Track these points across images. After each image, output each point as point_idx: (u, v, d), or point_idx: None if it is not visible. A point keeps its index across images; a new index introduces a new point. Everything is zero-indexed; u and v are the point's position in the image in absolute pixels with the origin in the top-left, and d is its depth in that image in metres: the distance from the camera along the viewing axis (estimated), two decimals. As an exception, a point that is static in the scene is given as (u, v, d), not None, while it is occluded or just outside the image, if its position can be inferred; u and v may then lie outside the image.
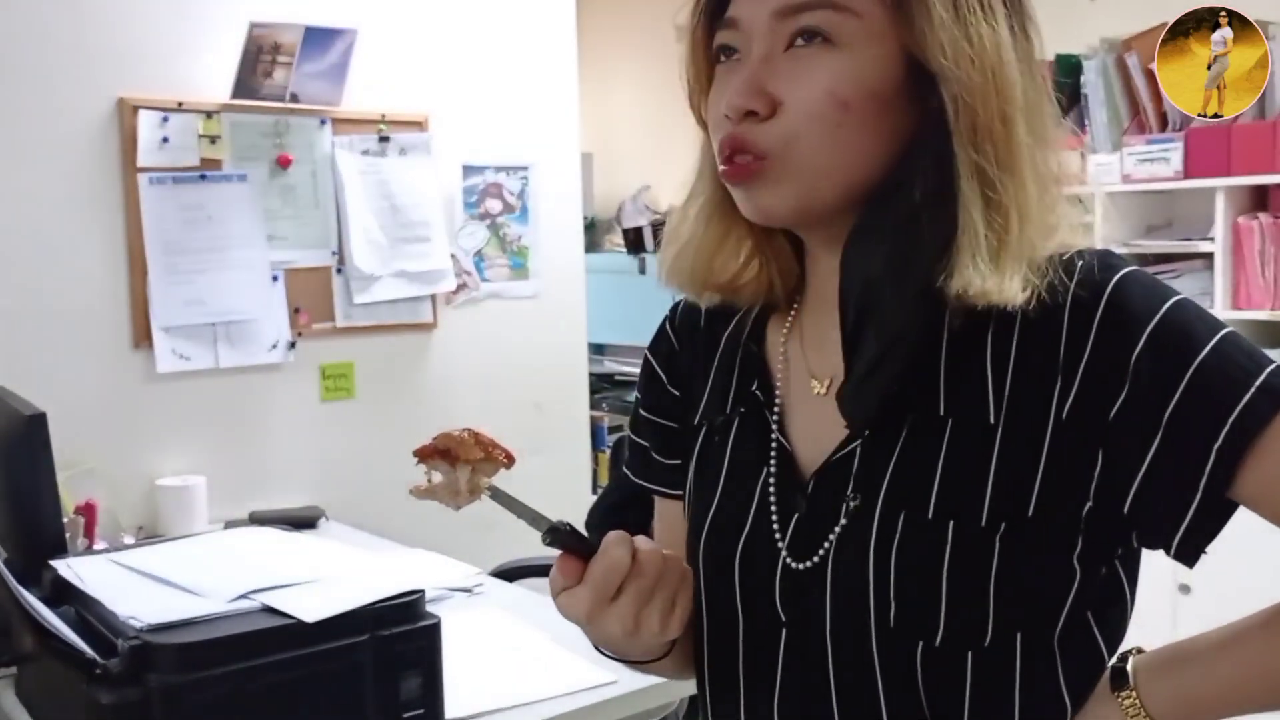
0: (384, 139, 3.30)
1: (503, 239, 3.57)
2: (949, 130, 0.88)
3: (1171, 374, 0.86)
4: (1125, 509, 0.88)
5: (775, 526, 0.98)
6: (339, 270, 3.27)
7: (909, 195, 0.90)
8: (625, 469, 1.22)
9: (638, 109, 5.35)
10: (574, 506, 2.95)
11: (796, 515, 0.97)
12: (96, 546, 2.65)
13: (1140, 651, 0.94)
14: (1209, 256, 3.34)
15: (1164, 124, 3.42)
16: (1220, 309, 3.30)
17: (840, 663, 0.94)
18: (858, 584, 0.92)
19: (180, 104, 3.00)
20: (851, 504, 0.94)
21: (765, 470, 1.01)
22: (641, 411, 1.18)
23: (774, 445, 1.01)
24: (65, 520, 2.26)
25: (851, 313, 0.93)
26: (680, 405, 1.13)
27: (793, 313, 1.06)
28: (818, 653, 0.94)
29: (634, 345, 4.77)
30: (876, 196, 0.92)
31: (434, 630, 1.68)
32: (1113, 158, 3.45)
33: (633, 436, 1.20)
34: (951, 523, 0.89)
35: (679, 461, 1.13)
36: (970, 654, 0.90)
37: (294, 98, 3.12)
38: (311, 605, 1.60)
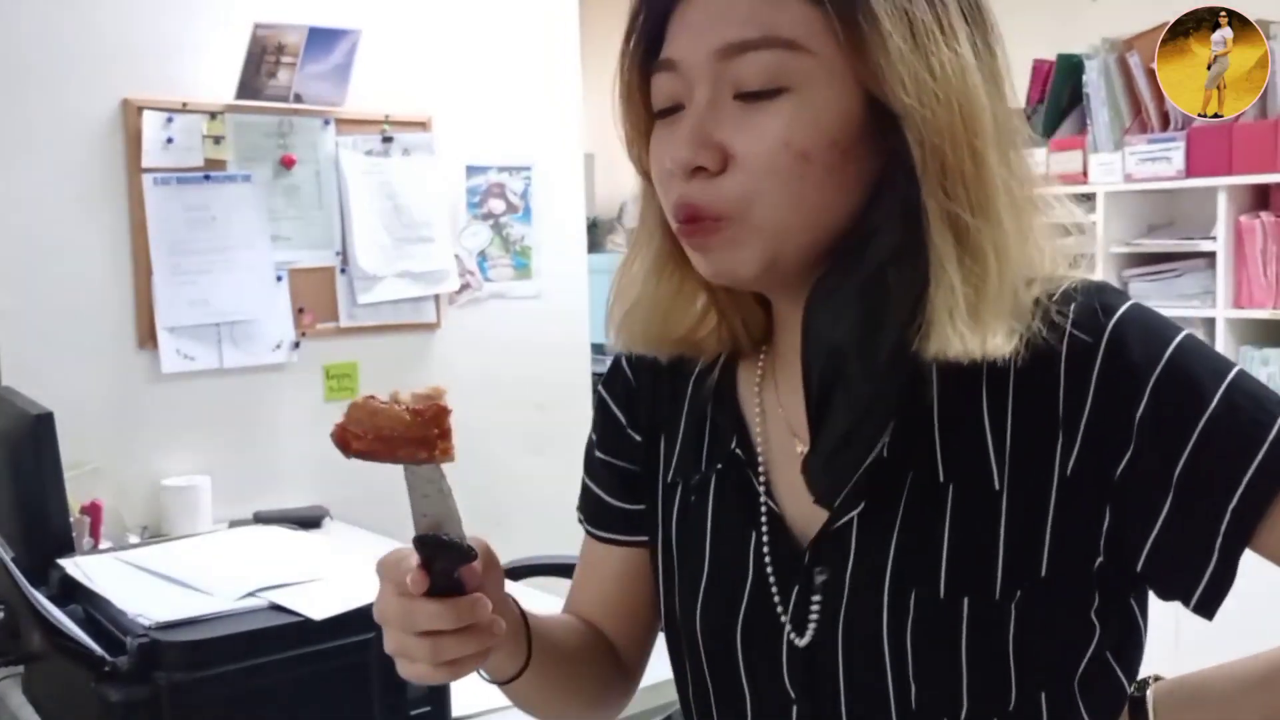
0: (387, 139, 3.31)
1: (505, 239, 3.58)
2: (916, 174, 0.81)
3: (1179, 431, 0.81)
4: (1138, 566, 0.84)
5: (776, 600, 0.92)
6: (343, 270, 3.28)
7: (876, 250, 0.83)
8: (578, 512, 1.13)
9: (640, 109, 5.31)
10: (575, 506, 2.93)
11: (797, 588, 0.91)
12: (102, 546, 2.66)
13: (1158, 679, 0.91)
14: (1211, 256, 3.34)
15: (1166, 123, 3.43)
16: (1222, 308, 3.30)
17: None
18: (873, 665, 0.87)
19: (185, 104, 3.01)
20: (857, 579, 0.88)
21: (755, 536, 0.94)
22: (598, 453, 1.10)
23: (764, 509, 0.95)
24: (71, 520, 2.27)
25: (816, 383, 0.87)
26: (642, 451, 1.06)
27: (762, 359, 0.99)
28: None
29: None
30: (840, 251, 0.85)
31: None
32: (1114, 157, 3.45)
33: (586, 480, 1.12)
34: (966, 599, 0.84)
35: (639, 507, 1.07)
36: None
37: (298, 98, 3.12)
38: (319, 603, 1.61)
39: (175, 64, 3.01)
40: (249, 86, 3.06)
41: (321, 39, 3.10)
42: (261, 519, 2.96)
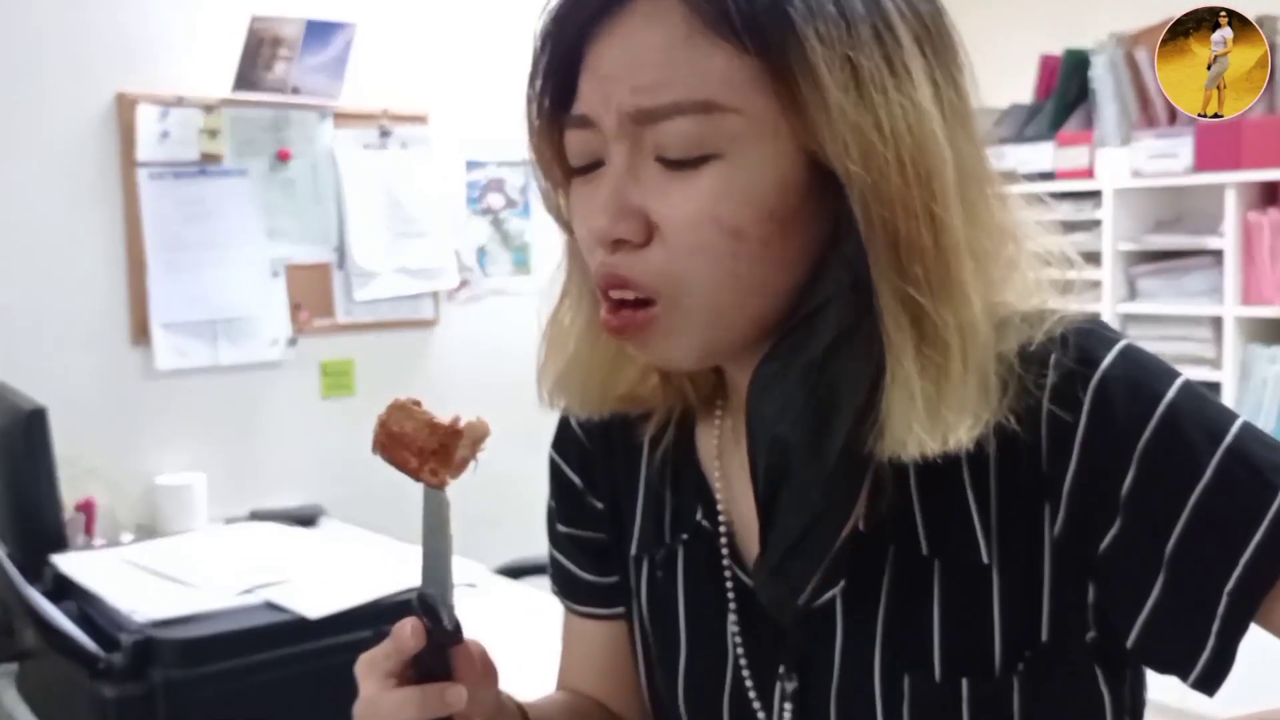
0: (385, 133, 3.28)
1: (505, 235, 3.55)
2: (864, 247, 0.71)
3: (1170, 506, 0.73)
4: (1129, 644, 0.76)
5: (755, 686, 0.85)
6: (340, 266, 3.25)
7: (822, 330, 0.74)
8: (551, 584, 1.05)
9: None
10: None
11: (781, 669, 0.84)
12: (96, 544, 2.63)
13: None
14: (1219, 253, 3.32)
15: (1173, 119, 3.40)
16: (1230, 305, 3.28)
17: None
18: None
19: (180, 98, 2.98)
20: (847, 661, 0.81)
21: (730, 615, 0.87)
22: (560, 526, 1.01)
23: (736, 585, 0.86)
24: (65, 518, 2.24)
25: (762, 481, 0.77)
26: (605, 518, 0.97)
27: (719, 417, 0.90)
28: None
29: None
30: (786, 332, 0.76)
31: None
32: (1122, 153, 3.42)
33: (553, 551, 1.03)
34: (965, 680, 0.77)
35: (612, 579, 0.98)
36: None
37: (295, 91, 3.10)
38: (315, 601, 1.59)
39: (170, 57, 2.99)
40: (245, 79, 3.03)
41: (318, 31, 3.08)
42: (257, 517, 2.93)
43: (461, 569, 2.46)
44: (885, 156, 0.70)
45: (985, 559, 0.77)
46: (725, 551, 0.87)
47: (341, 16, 3.11)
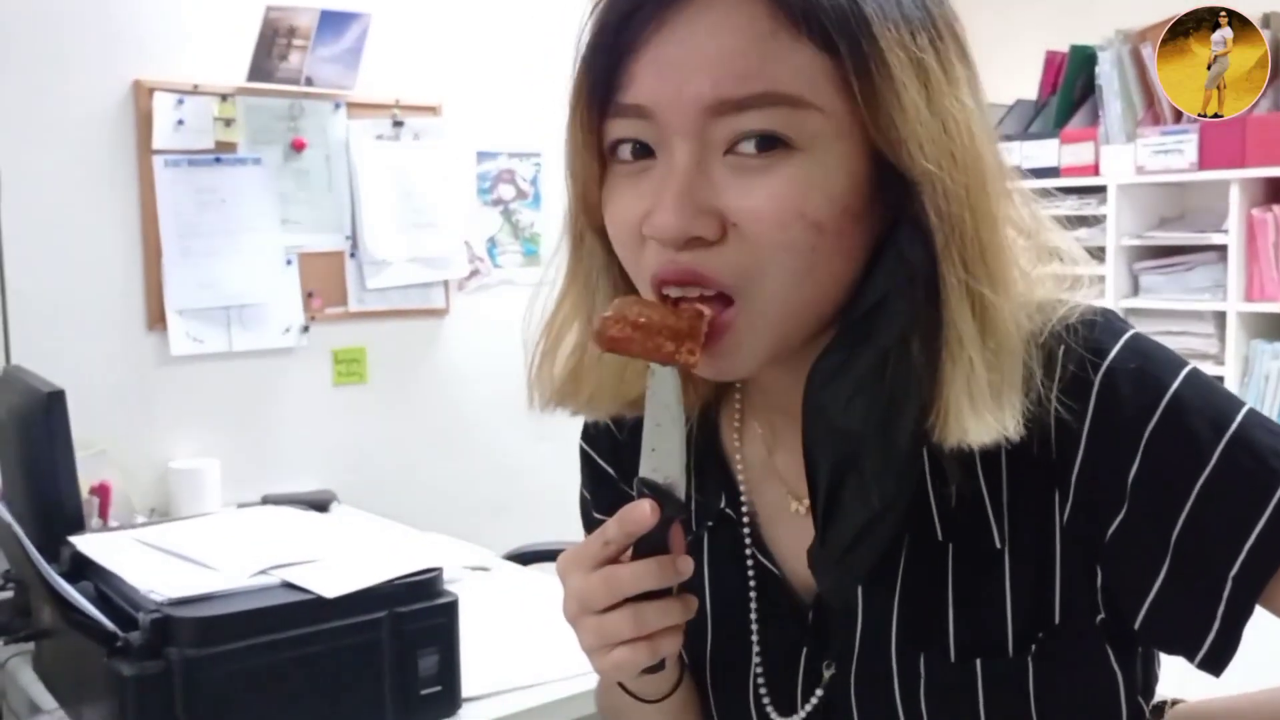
0: (398, 124, 3.30)
1: (515, 225, 3.57)
2: (930, 242, 0.73)
3: (1175, 492, 0.75)
4: (1135, 627, 0.79)
5: (771, 671, 0.89)
6: (352, 255, 3.28)
7: (890, 322, 0.74)
8: None
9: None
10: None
11: (806, 650, 0.88)
12: (111, 527, 2.66)
13: (1175, 703, 0.88)
14: (1222, 249, 3.33)
15: (1178, 115, 3.42)
16: (1233, 301, 3.29)
17: None
18: None
19: (196, 87, 3.00)
20: (866, 642, 0.84)
21: (755, 601, 0.90)
22: (596, 514, 1.03)
23: (751, 569, 0.90)
24: (81, 501, 2.27)
25: (825, 474, 0.78)
26: None
27: (738, 405, 0.92)
28: None
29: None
30: (847, 325, 0.77)
31: (451, 608, 1.68)
32: (1127, 149, 3.44)
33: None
34: (979, 661, 0.80)
35: None
36: None
37: (309, 81, 3.12)
38: (330, 581, 1.61)
39: (186, 46, 3.01)
40: (260, 69, 3.06)
41: (333, 22, 3.10)
42: (269, 502, 2.96)
43: (472, 554, 2.50)
44: (952, 155, 0.72)
45: (998, 544, 0.80)
46: (748, 539, 0.89)
47: (356, 7, 3.14)
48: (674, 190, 0.73)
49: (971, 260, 0.73)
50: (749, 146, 0.73)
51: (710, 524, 0.92)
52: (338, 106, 3.22)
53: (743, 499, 0.91)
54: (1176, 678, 0.92)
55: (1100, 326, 0.78)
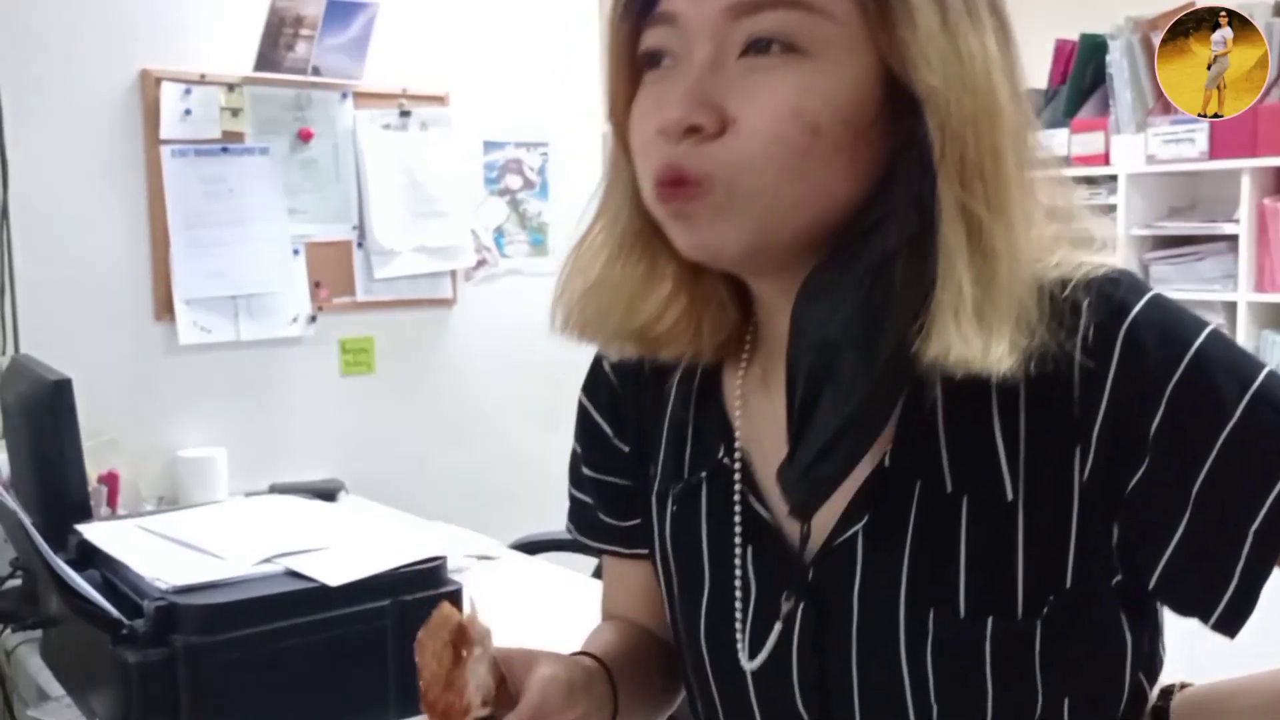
0: (405, 113, 3.30)
1: (522, 215, 3.57)
2: (931, 164, 0.75)
3: (1197, 446, 0.75)
4: (1151, 584, 0.79)
5: (754, 618, 0.88)
6: (359, 244, 3.28)
7: (883, 239, 0.76)
8: (570, 524, 1.07)
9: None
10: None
11: (803, 607, 0.85)
12: (119, 516, 2.66)
13: (1184, 686, 0.88)
14: (1233, 239, 3.32)
15: (1189, 105, 3.41)
16: (1244, 291, 3.28)
17: None
18: (892, 690, 0.82)
19: (203, 76, 3.00)
20: (868, 598, 0.83)
21: (751, 552, 0.89)
22: (585, 469, 1.03)
23: (758, 522, 0.89)
24: (88, 489, 2.27)
25: (802, 382, 0.79)
26: (631, 461, 0.99)
27: (745, 356, 0.92)
28: None
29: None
30: (841, 244, 0.78)
31: (456, 597, 1.68)
32: (1137, 138, 3.43)
33: (574, 491, 1.05)
34: (990, 619, 0.79)
35: (634, 522, 1.01)
36: None
37: (316, 71, 3.12)
38: (335, 569, 1.61)
39: (193, 35, 3.01)
40: (267, 59, 3.06)
41: (340, 11, 3.09)
42: (277, 491, 2.96)
43: (477, 543, 2.51)
44: (962, 80, 0.74)
45: (1010, 496, 0.79)
46: (738, 483, 0.89)
47: (362, -4, 3.14)
48: (687, 85, 0.76)
49: (970, 181, 0.75)
50: (763, 47, 0.75)
51: (705, 474, 0.92)
52: (345, 96, 3.22)
53: (737, 446, 0.90)
54: (1184, 662, 0.92)
55: (1124, 284, 0.79)
